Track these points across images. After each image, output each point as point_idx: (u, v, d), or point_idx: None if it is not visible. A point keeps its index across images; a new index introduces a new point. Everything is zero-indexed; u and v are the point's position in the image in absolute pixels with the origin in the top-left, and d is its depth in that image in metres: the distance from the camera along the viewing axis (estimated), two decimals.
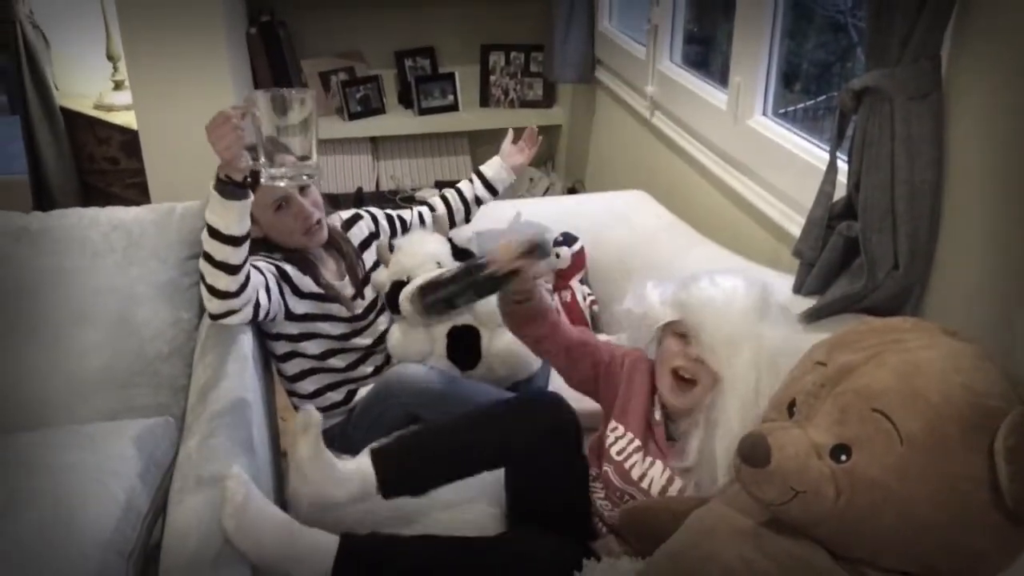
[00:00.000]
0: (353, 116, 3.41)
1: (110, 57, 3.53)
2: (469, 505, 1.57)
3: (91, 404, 1.65)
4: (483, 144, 3.71)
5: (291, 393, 1.89)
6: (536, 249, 1.48)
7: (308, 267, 1.78)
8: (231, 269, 1.49)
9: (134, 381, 1.70)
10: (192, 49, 2.81)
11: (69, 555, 1.23)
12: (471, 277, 1.52)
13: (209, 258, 1.48)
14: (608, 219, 2.32)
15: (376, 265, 1.97)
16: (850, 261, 1.51)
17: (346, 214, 2.00)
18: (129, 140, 3.29)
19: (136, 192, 3.33)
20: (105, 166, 3.55)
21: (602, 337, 1.72)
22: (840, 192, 1.57)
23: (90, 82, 3.63)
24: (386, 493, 1.42)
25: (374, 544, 1.36)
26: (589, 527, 1.48)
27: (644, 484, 1.43)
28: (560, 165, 3.72)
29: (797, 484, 0.98)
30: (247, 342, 1.67)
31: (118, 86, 3.52)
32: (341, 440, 1.76)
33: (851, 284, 1.47)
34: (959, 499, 0.93)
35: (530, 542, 1.37)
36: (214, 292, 1.51)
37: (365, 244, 1.97)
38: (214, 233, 1.46)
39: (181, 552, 1.22)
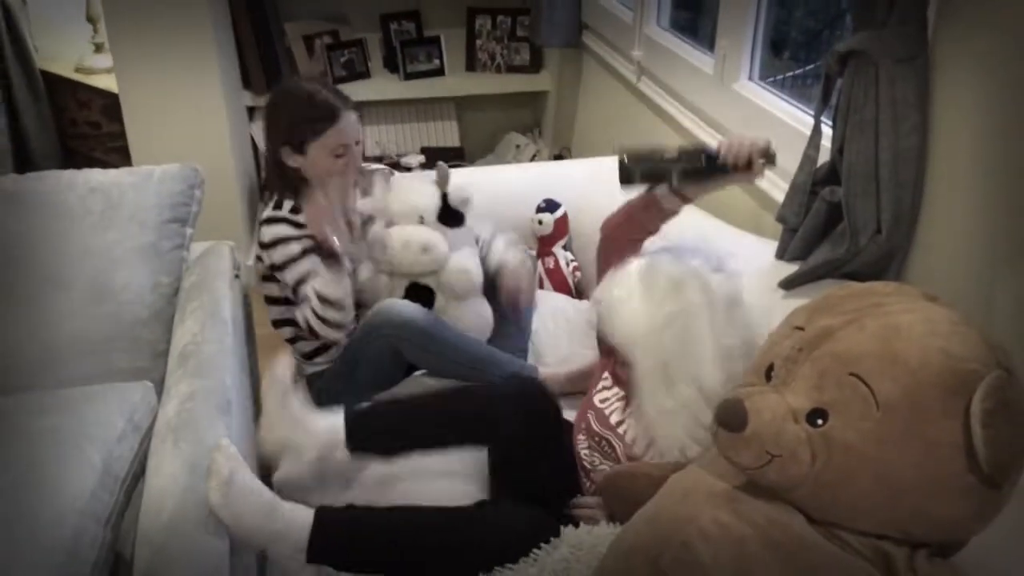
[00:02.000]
0: (337, 80, 3.36)
1: (90, 19, 3.46)
2: (448, 480, 1.56)
3: (68, 369, 1.63)
4: (469, 110, 3.68)
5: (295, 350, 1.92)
6: (771, 154, 1.50)
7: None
8: (330, 323, 1.72)
9: (112, 346, 1.68)
10: (173, 12, 2.77)
11: (44, 520, 1.22)
12: (697, 161, 1.54)
13: (320, 318, 1.72)
14: (593, 185, 2.30)
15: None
16: (833, 226, 1.51)
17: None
18: (110, 104, 3.24)
19: (118, 156, 3.28)
20: (87, 130, 3.50)
21: (584, 306, 1.73)
22: (824, 157, 1.56)
23: (70, 45, 3.56)
24: (353, 446, 1.42)
25: (350, 516, 1.35)
26: (576, 486, 1.49)
27: (621, 430, 1.45)
28: (547, 131, 3.69)
29: (773, 448, 0.98)
30: (228, 306, 1.65)
31: (99, 49, 3.46)
32: (332, 381, 1.80)
33: (833, 249, 1.46)
34: (935, 464, 0.93)
35: (507, 512, 1.37)
36: (319, 335, 1.75)
37: None
38: (323, 299, 1.70)
39: (159, 517, 1.22)
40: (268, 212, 1.82)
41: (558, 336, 1.98)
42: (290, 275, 1.78)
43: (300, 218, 1.80)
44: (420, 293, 1.85)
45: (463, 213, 1.92)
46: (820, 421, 0.97)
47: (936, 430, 0.92)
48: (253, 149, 3.38)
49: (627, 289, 1.40)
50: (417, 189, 1.91)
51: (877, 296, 1.04)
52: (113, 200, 1.77)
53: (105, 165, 2.02)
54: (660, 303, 1.37)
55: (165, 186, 1.82)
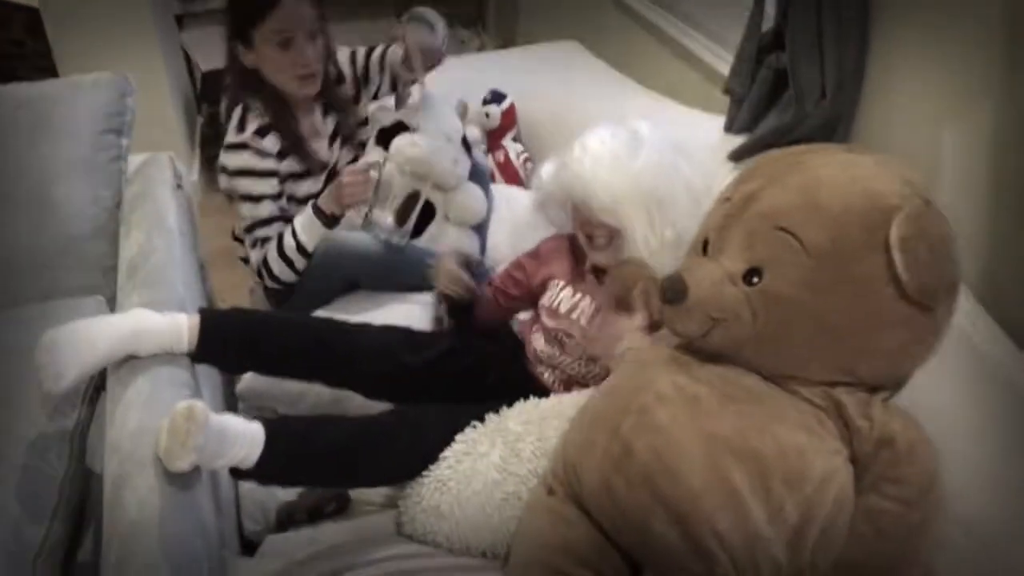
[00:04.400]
0: None
1: None
2: None
3: (19, 286, 1.60)
4: (409, 5, 3.55)
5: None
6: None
7: (283, 117, 1.71)
8: (298, 272, 1.72)
9: (60, 262, 1.64)
10: None
11: (14, 436, 1.22)
12: None
13: (290, 264, 1.71)
14: (540, 73, 2.27)
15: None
16: (779, 95, 1.50)
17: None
18: (32, 19, 3.08)
19: (45, 76, 3.13)
20: (11, 49, 3.32)
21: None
22: (769, 24, 1.54)
23: None
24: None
25: (292, 428, 1.32)
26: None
27: (574, 315, 1.46)
28: (490, 23, 3.60)
29: (716, 312, 1.01)
30: (172, 216, 1.62)
31: None
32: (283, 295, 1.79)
33: (780, 117, 1.46)
34: (868, 299, 0.97)
35: (421, 409, 1.39)
36: (277, 281, 1.74)
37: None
38: (301, 250, 1.69)
39: (125, 427, 1.22)
40: (231, 137, 1.71)
41: (514, 223, 1.97)
42: (247, 211, 1.71)
43: (266, 143, 1.70)
44: (423, 208, 1.79)
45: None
46: (756, 279, 1.00)
47: (864, 266, 0.96)
48: (186, 60, 3.26)
49: (593, 156, 1.39)
50: (449, 115, 1.89)
51: (795, 155, 1.07)
52: (42, 114, 1.70)
53: None
54: (630, 158, 1.37)
55: (96, 96, 1.75)
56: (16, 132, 1.67)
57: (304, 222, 1.69)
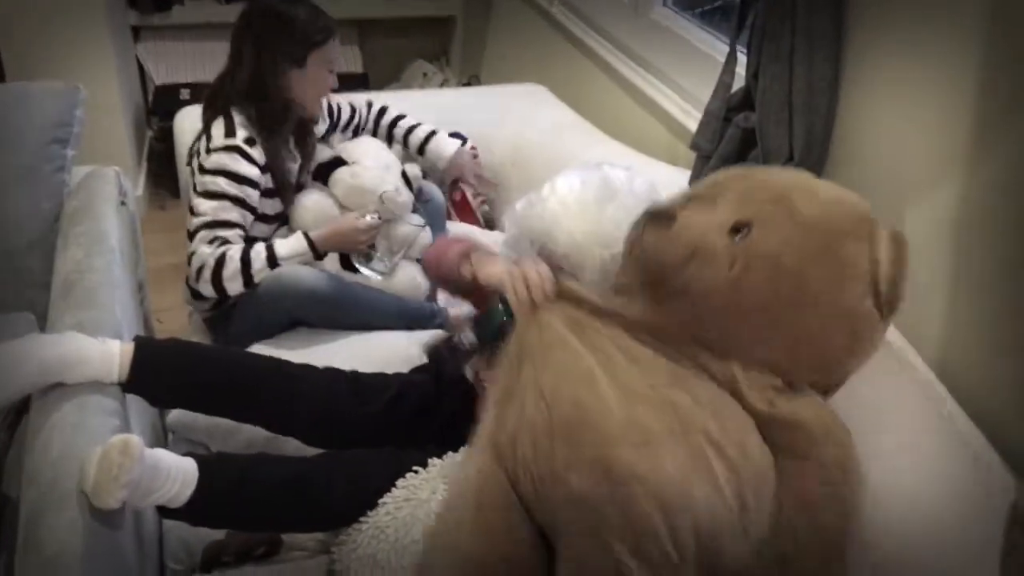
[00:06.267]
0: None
1: None
2: None
3: None
4: (374, 35, 3.54)
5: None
6: None
7: (274, 130, 1.74)
8: (247, 288, 1.67)
9: None
10: None
11: None
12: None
13: (249, 280, 1.65)
14: (503, 114, 2.25)
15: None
16: (746, 153, 1.50)
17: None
18: None
19: None
20: None
21: (495, 236, 1.69)
22: (739, 84, 1.54)
23: None
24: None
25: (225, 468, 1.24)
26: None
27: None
28: (455, 59, 3.59)
29: (698, 241, 1.04)
30: (114, 234, 1.54)
31: None
32: (220, 323, 1.75)
33: None
34: (843, 282, 1.02)
35: (362, 452, 1.33)
36: (218, 288, 1.66)
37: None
38: (273, 264, 1.67)
39: (46, 455, 1.14)
40: (220, 141, 1.68)
41: None
42: (210, 208, 1.66)
43: (254, 152, 1.69)
44: None
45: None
46: (743, 232, 1.03)
47: (848, 250, 1.02)
48: (140, 72, 3.18)
49: (560, 200, 1.40)
50: (383, 149, 1.94)
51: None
52: None
53: None
54: (598, 206, 1.36)
55: (44, 105, 1.69)
56: None
57: (292, 246, 1.69)
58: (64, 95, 1.70)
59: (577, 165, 1.50)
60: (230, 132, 1.68)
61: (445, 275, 1.47)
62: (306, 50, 1.72)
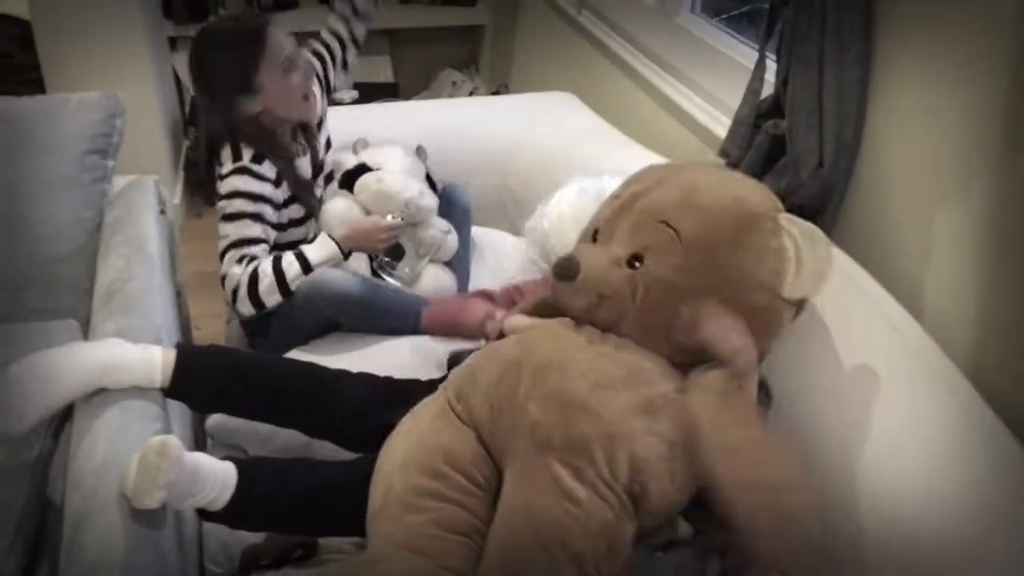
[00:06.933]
0: (264, 9, 3.22)
1: None
2: None
3: None
4: (403, 44, 3.57)
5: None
6: None
7: (288, 164, 1.77)
8: (285, 297, 1.68)
9: (35, 283, 1.59)
10: None
11: None
12: None
13: (286, 290, 1.67)
14: (533, 121, 2.26)
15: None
16: (775, 160, 1.50)
17: None
18: (22, 32, 3.04)
19: (33, 89, 3.09)
20: None
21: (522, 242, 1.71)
22: (768, 90, 1.55)
23: None
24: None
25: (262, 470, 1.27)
26: None
27: None
28: (484, 68, 3.62)
29: (603, 289, 1.16)
30: (154, 242, 1.58)
31: None
32: (258, 329, 1.77)
33: (775, 183, 1.46)
34: (731, 286, 1.13)
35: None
36: (256, 302, 1.67)
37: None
38: (307, 271, 1.68)
39: (90, 461, 1.17)
40: (228, 166, 1.71)
41: (500, 269, 1.97)
42: (233, 230, 1.69)
43: (263, 168, 1.71)
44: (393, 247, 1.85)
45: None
46: (638, 264, 1.17)
47: (730, 258, 1.14)
48: (176, 82, 3.23)
49: (557, 213, 1.48)
50: (405, 155, 1.93)
51: (677, 166, 1.31)
52: (27, 130, 1.67)
53: None
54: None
55: (83, 115, 1.72)
56: None
57: (323, 251, 1.71)
58: (103, 106, 1.73)
59: (578, 174, 1.54)
60: (237, 155, 1.71)
61: (463, 336, 1.62)
62: (250, 76, 1.69)
